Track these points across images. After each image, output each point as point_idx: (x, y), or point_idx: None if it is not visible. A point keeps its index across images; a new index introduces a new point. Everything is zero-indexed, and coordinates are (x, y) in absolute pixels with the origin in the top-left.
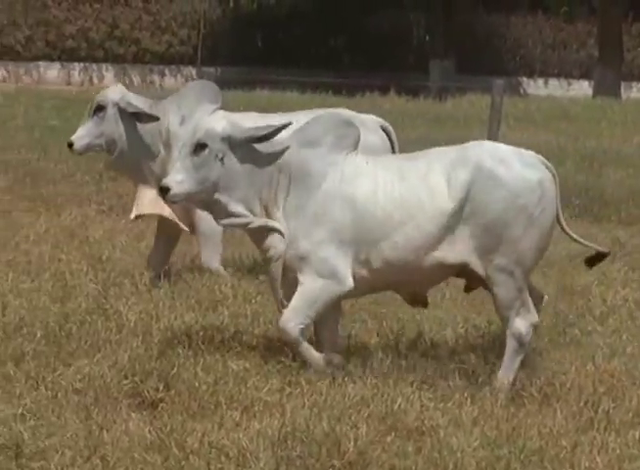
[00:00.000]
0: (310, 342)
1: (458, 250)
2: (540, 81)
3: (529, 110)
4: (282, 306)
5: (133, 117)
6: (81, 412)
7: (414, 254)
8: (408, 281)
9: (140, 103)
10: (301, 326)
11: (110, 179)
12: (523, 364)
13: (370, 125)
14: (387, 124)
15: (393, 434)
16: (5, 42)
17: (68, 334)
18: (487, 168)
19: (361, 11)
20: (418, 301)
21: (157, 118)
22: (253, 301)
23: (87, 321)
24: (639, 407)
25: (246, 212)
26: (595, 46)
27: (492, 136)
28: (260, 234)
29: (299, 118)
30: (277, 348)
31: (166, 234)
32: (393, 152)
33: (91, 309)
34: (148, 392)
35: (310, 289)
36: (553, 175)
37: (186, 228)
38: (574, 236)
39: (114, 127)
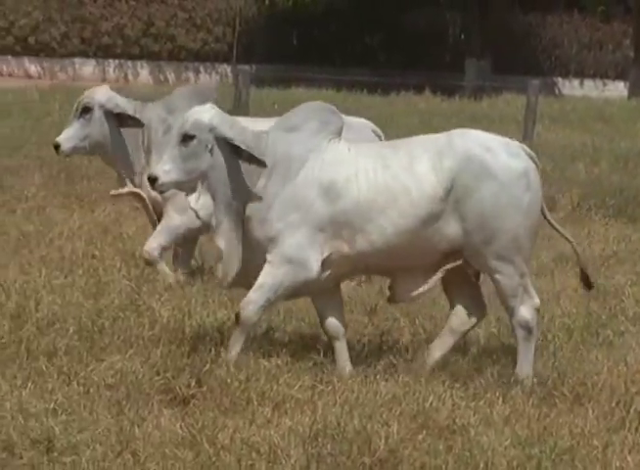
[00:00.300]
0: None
1: (447, 236)
2: (575, 82)
3: (565, 110)
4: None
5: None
6: (113, 408)
7: (400, 238)
8: (397, 266)
9: (127, 105)
10: (260, 309)
11: None
12: (554, 365)
13: (360, 128)
14: (376, 128)
15: (424, 432)
16: (40, 39)
17: (101, 330)
18: (475, 157)
19: (397, 9)
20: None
21: (141, 125)
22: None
23: (120, 317)
24: None
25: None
26: (631, 47)
27: (527, 136)
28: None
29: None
30: (309, 345)
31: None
32: None
33: (124, 305)
34: (180, 388)
35: (275, 273)
36: (536, 165)
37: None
38: (559, 227)
39: (100, 130)
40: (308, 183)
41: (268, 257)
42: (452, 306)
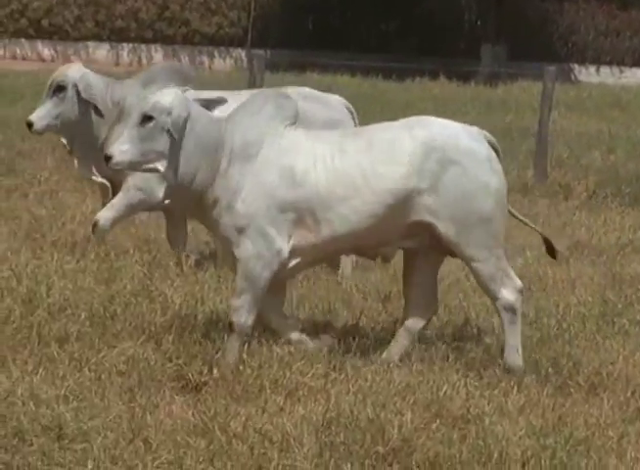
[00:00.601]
0: None
1: (414, 217)
2: (592, 69)
3: (581, 97)
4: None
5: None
6: (125, 395)
7: (363, 225)
8: (366, 246)
9: (99, 82)
10: (252, 311)
11: None
12: (570, 354)
13: (335, 105)
14: (350, 105)
15: (438, 421)
16: (54, 22)
17: (113, 316)
18: (436, 144)
19: None
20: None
21: (101, 115)
22: (299, 285)
23: (132, 303)
24: None
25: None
26: None
27: (543, 123)
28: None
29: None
30: (322, 332)
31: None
32: None
33: (136, 291)
34: (192, 375)
35: (251, 270)
36: (497, 151)
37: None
38: (517, 214)
39: (73, 108)
40: (268, 167)
41: (236, 251)
42: (406, 303)
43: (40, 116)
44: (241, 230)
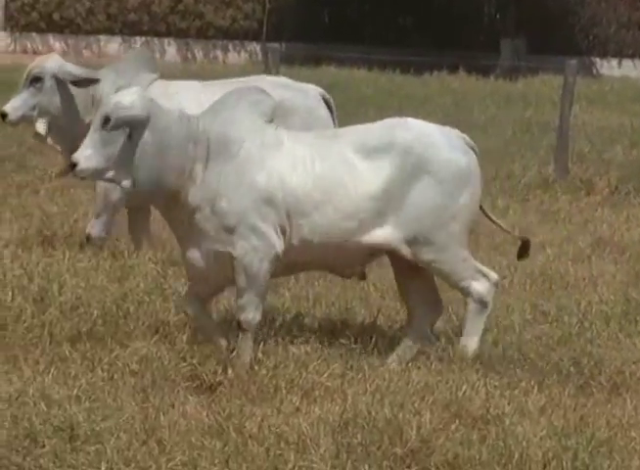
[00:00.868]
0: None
1: (384, 234)
2: (614, 62)
3: (603, 91)
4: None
5: (70, 88)
6: (138, 395)
7: (335, 235)
8: (332, 263)
9: (77, 72)
10: (258, 307)
11: None
12: (591, 354)
13: (312, 94)
14: (327, 95)
15: (457, 422)
16: (65, 15)
17: (126, 314)
18: (414, 152)
19: None
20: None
21: (97, 80)
22: (316, 283)
23: (145, 301)
24: None
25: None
26: None
27: (564, 118)
28: None
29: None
30: (339, 331)
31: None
32: (334, 121)
33: (149, 289)
34: (206, 375)
35: (249, 266)
36: (476, 154)
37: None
38: (492, 216)
39: (52, 99)
40: (251, 162)
41: (232, 252)
42: (409, 310)
43: (15, 106)
44: (231, 230)
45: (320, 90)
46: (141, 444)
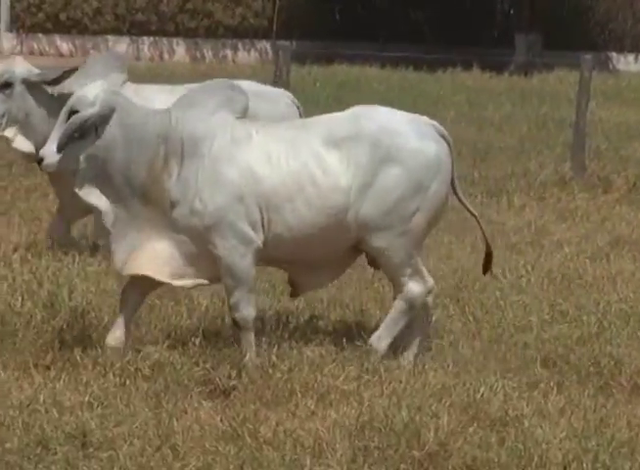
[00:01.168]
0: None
1: (353, 227)
2: (631, 57)
3: (619, 86)
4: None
5: (41, 90)
6: (151, 400)
7: (307, 229)
8: (303, 258)
9: (45, 73)
10: (251, 302)
11: None
12: (611, 354)
13: (280, 99)
14: (295, 100)
15: (476, 424)
16: (72, 15)
17: (137, 319)
18: (383, 144)
19: None
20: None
21: (69, 75)
22: (330, 285)
23: (157, 306)
24: None
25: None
26: None
27: (581, 114)
28: None
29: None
30: (354, 333)
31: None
32: None
33: (161, 293)
34: (220, 379)
35: (229, 263)
36: (448, 144)
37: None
38: (469, 206)
39: (22, 105)
40: (223, 159)
41: (215, 251)
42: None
43: None
44: (210, 229)
45: (289, 94)
46: (154, 450)
